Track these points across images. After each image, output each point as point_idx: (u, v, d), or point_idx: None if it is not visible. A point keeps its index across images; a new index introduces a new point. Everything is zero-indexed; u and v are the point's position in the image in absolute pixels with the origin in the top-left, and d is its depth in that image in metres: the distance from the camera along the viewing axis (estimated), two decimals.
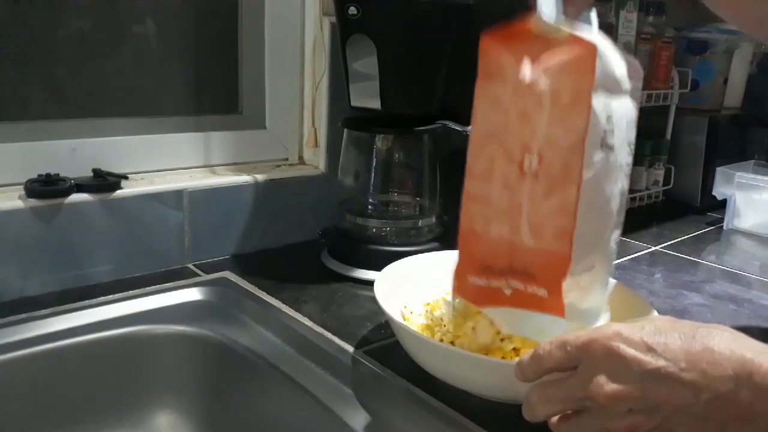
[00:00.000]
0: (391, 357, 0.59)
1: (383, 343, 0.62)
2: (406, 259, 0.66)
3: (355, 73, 0.75)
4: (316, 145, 0.90)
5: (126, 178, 0.74)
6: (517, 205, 0.49)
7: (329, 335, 0.63)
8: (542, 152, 0.47)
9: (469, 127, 0.76)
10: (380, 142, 0.82)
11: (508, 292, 0.51)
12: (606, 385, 0.39)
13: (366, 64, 0.74)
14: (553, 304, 0.48)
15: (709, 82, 1.23)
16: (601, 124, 0.46)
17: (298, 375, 0.57)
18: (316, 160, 0.91)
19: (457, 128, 0.77)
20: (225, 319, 0.67)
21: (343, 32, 0.74)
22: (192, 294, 0.72)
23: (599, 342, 0.40)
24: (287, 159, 0.93)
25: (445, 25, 0.73)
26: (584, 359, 0.41)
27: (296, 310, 0.68)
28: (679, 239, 1.04)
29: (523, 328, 0.53)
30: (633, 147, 0.51)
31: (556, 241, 0.47)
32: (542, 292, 0.48)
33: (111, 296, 0.69)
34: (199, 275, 0.77)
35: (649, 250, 0.98)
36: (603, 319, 0.53)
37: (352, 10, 0.70)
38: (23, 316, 0.63)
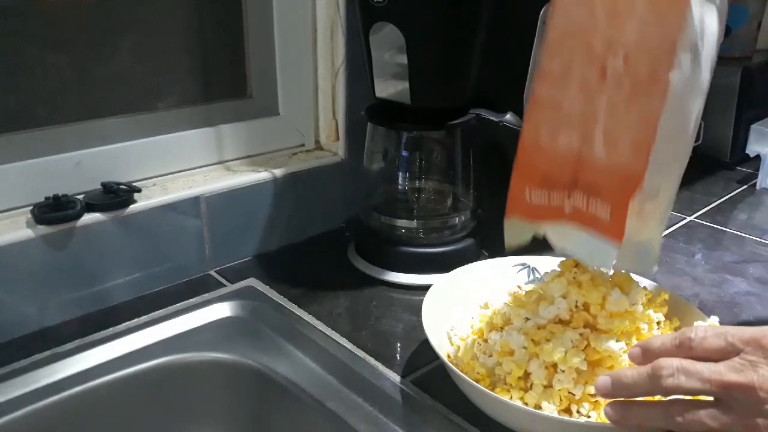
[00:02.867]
0: (441, 386, 0.56)
1: (429, 368, 0.59)
2: (446, 276, 0.62)
3: (379, 63, 0.68)
4: (337, 138, 0.83)
5: (138, 190, 0.68)
6: (593, 112, 0.46)
7: (372, 360, 0.60)
8: (629, 53, 0.44)
9: (506, 116, 0.71)
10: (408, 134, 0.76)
11: (567, 210, 0.49)
12: None
13: (392, 54, 0.67)
14: (614, 226, 0.45)
15: (743, 27, 1.15)
16: (696, 28, 0.42)
17: (345, 413, 0.54)
18: (335, 146, 0.86)
19: (491, 118, 0.71)
20: (258, 341, 0.63)
21: (366, 19, 0.66)
22: (220, 310, 0.68)
23: None
24: (303, 145, 0.87)
25: (478, 8, 0.66)
26: (750, 351, 0.39)
27: (332, 328, 0.65)
28: (713, 204, 1.00)
29: (574, 246, 0.50)
30: (713, 72, 0.47)
31: (632, 154, 0.44)
32: (605, 211, 0.46)
33: (136, 320, 0.65)
34: (224, 285, 0.73)
35: (685, 221, 0.94)
36: (652, 262, 0.50)
37: None
38: (47, 354, 0.60)
